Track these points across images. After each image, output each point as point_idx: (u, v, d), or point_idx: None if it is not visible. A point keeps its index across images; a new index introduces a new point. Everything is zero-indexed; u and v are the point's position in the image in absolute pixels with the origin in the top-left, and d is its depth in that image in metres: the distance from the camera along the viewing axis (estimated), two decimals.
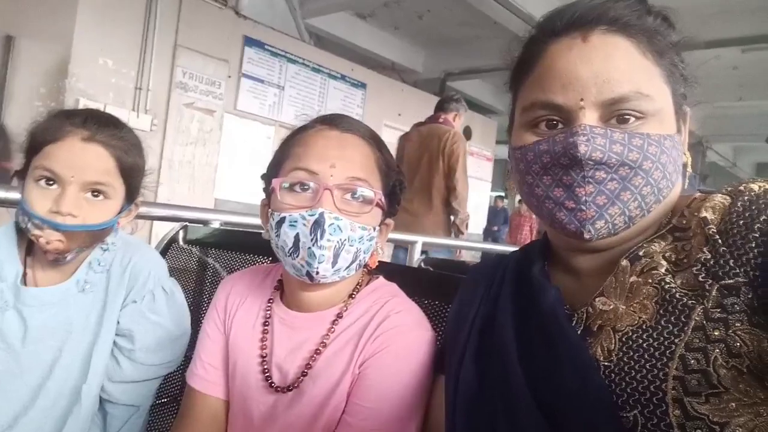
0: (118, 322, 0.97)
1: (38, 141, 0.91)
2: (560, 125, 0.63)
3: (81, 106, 4.23)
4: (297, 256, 0.79)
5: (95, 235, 0.94)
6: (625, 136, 0.59)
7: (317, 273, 0.78)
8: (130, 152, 0.96)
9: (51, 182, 0.89)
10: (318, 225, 0.76)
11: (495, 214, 9.78)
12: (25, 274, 0.96)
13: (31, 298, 0.94)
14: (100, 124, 0.93)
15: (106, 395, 0.98)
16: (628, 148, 0.59)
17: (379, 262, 0.95)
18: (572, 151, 0.59)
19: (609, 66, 0.60)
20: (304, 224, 0.77)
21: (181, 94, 4.92)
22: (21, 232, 0.96)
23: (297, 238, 0.78)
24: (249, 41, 5.52)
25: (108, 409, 1.00)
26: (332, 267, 0.79)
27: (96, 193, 0.92)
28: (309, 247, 0.77)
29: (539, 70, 0.65)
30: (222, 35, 5.24)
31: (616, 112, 0.60)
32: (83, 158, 0.90)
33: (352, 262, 0.81)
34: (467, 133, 8.59)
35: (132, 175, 0.97)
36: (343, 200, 0.79)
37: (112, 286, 0.98)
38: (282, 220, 0.79)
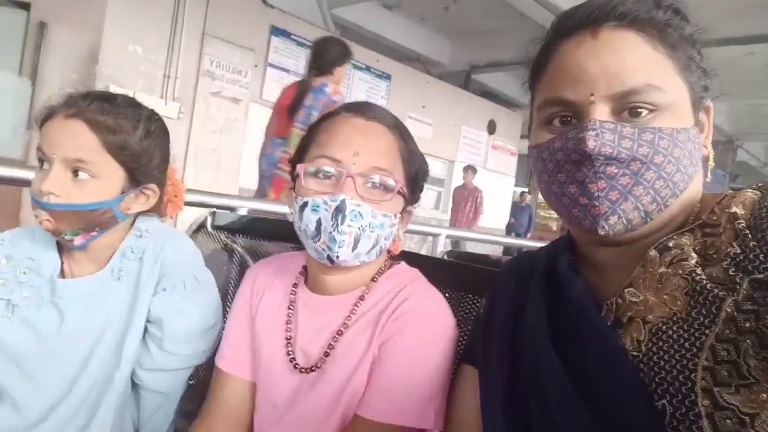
0: (150, 310, 0.98)
1: (41, 122, 0.92)
2: (573, 121, 0.64)
3: None
4: (318, 240, 0.81)
5: (89, 217, 0.91)
6: (635, 131, 0.59)
7: (337, 257, 0.81)
8: (121, 130, 0.92)
9: (42, 162, 0.89)
10: (339, 211, 0.79)
11: (520, 211, 9.28)
12: (62, 266, 0.97)
13: (68, 290, 0.95)
14: (89, 101, 0.91)
15: (139, 381, 0.99)
16: (637, 143, 0.59)
17: (402, 252, 0.97)
18: (582, 147, 0.59)
19: (618, 59, 0.61)
20: (326, 209, 0.79)
21: (209, 82, 4.98)
22: None
23: (319, 222, 0.80)
24: (275, 31, 5.55)
25: (142, 395, 1.01)
26: (352, 252, 0.81)
27: (78, 172, 0.89)
28: (330, 232, 0.79)
29: (551, 69, 0.66)
30: (249, 24, 5.28)
31: (627, 105, 0.60)
32: (63, 134, 0.88)
33: (373, 248, 0.83)
34: (491, 126, 8.53)
35: (127, 155, 0.93)
36: (365, 188, 0.81)
37: (144, 273, 0.98)
38: (305, 205, 0.82)
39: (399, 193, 0.84)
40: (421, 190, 0.93)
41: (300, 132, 2.46)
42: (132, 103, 0.97)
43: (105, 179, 0.91)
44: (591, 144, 0.59)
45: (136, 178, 0.95)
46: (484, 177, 8.19)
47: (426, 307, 0.84)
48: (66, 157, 0.87)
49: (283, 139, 2.62)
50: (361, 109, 0.86)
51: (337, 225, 0.79)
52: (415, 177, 0.89)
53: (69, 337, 0.94)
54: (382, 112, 0.88)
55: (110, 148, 0.90)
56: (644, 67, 0.61)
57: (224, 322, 1.02)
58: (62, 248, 0.99)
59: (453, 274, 1.05)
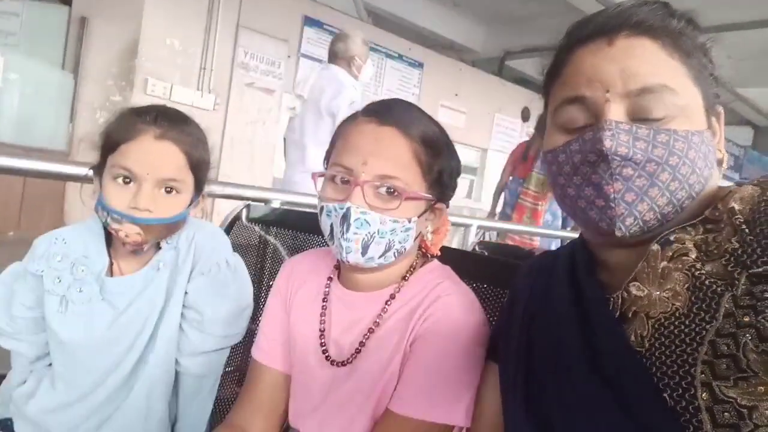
0: (187, 293, 1.03)
1: (113, 140, 0.96)
2: (588, 123, 0.64)
3: (149, 86, 4.41)
4: (333, 243, 0.85)
5: (169, 227, 1.00)
6: (650, 133, 0.60)
7: (348, 261, 0.84)
8: (198, 147, 1.01)
9: (128, 180, 0.94)
10: (345, 219, 0.81)
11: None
12: (111, 265, 1.03)
13: (118, 287, 1.01)
14: (171, 121, 0.98)
15: (181, 368, 1.05)
16: (652, 144, 0.60)
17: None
18: (598, 147, 0.60)
19: (635, 62, 0.62)
20: (336, 216, 0.82)
21: (243, 74, 5.05)
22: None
23: (332, 227, 0.84)
24: (308, 21, 5.58)
25: (182, 380, 1.07)
26: (362, 257, 0.83)
27: (169, 189, 0.97)
28: (339, 238, 0.82)
29: (567, 72, 0.67)
30: (282, 15, 5.32)
31: (642, 106, 0.61)
32: (157, 156, 0.95)
33: (386, 252, 0.84)
34: (525, 114, 8.40)
35: (200, 169, 1.02)
36: (374, 195, 0.82)
37: (180, 260, 1.04)
38: (322, 209, 0.85)
39: (410, 198, 0.84)
40: (452, 188, 0.92)
41: (537, 174, 3.59)
42: (191, 119, 1.05)
43: (186, 193, 1.00)
44: (608, 144, 0.59)
45: (200, 186, 1.04)
46: None
47: (457, 305, 0.85)
48: (161, 178, 0.95)
49: (523, 179, 3.73)
50: (378, 113, 0.86)
51: (343, 232, 0.81)
52: (439, 177, 0.88)
53: (119, 328, 1.01)
54: (399, 114, 0.86)
55: (192, 165, 1.00)
56: (660, 70, 0.61)
57: (258, 310, 1.05)
58: (111, 247, 1.04)
59: (484, 267, 1.06)
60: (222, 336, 1.06)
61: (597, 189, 0.62)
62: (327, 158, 0.91)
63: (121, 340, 1.00)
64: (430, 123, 0.89)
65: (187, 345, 1.04)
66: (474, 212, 7.28)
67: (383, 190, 0.82)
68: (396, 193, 0.82)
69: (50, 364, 1.05)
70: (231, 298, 1.06)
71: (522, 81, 8.65)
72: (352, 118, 0.89)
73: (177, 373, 1.06)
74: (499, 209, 4.06)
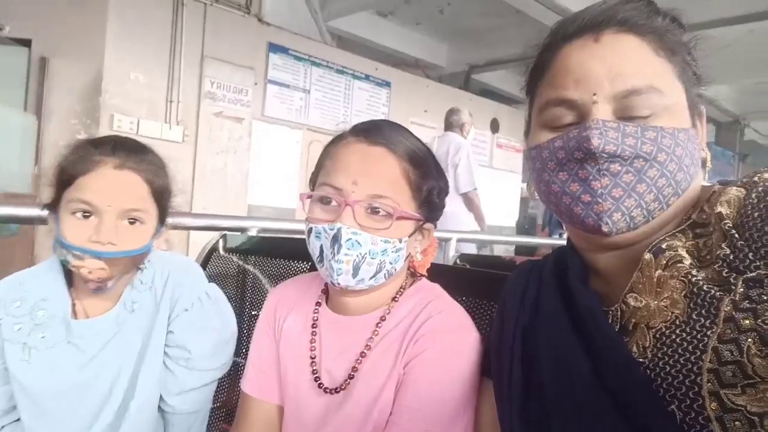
0: (172, 333, 1.00)
1: (69, 173, 0.91)
2: (574, 122, 0.64)
3: (116, 122, 4.34)
4: (323, 266, 0.83)
5: (134, 260, 0.96)
6: (638, 129, 0.60)
7: (338, 283, 0.81)
8: (159, 175, 0.98)
9: (87, 213, 0.90)
10: (336, 240, 0.79)
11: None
12: (74, 306, 0.98)
13: (85, 330, 0.96)
14: (129, 151, 0.94)
15: (169, 408, 1.01)
16: (641, 140, 0.59)
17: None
18: (586, 145, 0.60)
19: (622, 60, 0.61)
20: (326, 237, 0.80)
21: (210, 103, 5.01)
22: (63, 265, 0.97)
23: (321, 249, 0.81)
24: (273, 47, 5.58)
25: (170, 420, 1.02)
26: (353, 278, 0.81)
27: (132, 220, 0.93)
28: (329, 260, 0.80)
29: (553, 70, 0.67)
30: (247, 43, 5.31)
31: (628, 105, 0.61)
32: (118, 186, 0.92)
33: (377, 273, 0.82)
34: (494, 125, 8.51)
35: (163, 197, 0.99)
36: (365, 215, 0.81)
37: (158, 301, 1.01)
38: (310, 231, 0.83)
39: (401, 218, 0.82)
40: (440, 208, 0.91)
41: None
42: (150, 149, 1.01)
43: (150, 222, 0.96)
44: (595, 142, 0.59)
45: (163, 215, 1.01)
46: (490, 176, 8.16)
47: (449, 324, 0.83)
48: (124, 209, 0.91)
49: None
50: (366, 132, 0.85)
51: (334, 253, 0.79)
52: (428, 197, 0.86)
53: (90, 373, 0.95)
54: (388, 134, 0.85)
55: (155, 194, 0.96)
56: (646, 69, 0.61)
57: (241, 342, 1.02)
58: (72, 288, 0.99)
59: (468, 280, 1.04)
60: (211, 369, 1.03)
61: (584, 184, 0.62)
62: (313, 180, 0.89)
63: (94, 387, 0.95)
64: (418, 143, 0.88)
65: (175, 384, 1.00)
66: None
67: (373, 209, 0.80)
68: (387, 213, 0.81)
69: (19, 419, 0.98)
70: (216, 330, 1.04)
71: (488, 93, 8.79)
72: (341, 137, 0.87)
73: (164, 414, 1.01)
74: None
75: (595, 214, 0.61)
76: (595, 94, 0.61)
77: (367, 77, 6.63)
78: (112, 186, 0.91)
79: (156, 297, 1.01)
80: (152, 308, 1.00)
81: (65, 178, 0.92)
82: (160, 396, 1.00)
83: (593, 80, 0.62)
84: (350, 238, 0.79)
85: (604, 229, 0.61)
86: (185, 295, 1.02)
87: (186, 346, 1.00)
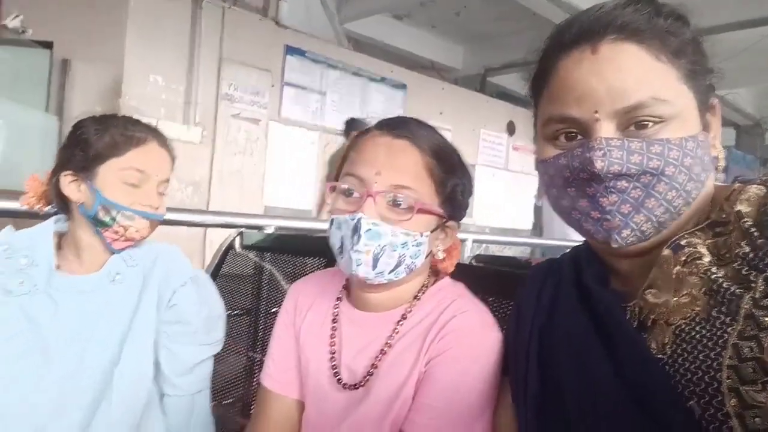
0: (175, 305, 1.04)
1: (120, 146, 1.02)
2: (579, 136, 0.63)
3: None
4: (342, 258, 0.83)
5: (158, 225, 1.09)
6: (644, 145, 0.58)
7: (358, 275, 0.81)
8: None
9: (139, 180, 1.03)
10: (356, 230, 0.79)
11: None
12: (57, 265, 1.04)
13: (65, 284, 1.01)
14: (153, 129, 1.11)
15: (174, 390, 1.04)
16: (647, 156, 0.58)
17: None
18: (590, 168, 0.59)
19: (621, 76, 0.59)
20: (347, 228, 0.80)
21: (228, 105, 5.06)
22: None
23: (342, 240, 0.81)
24: (290, 50, 5.62)
25: (175, 404, 1.05)
26: (373, 270, 0.81)
27: (161, 192, 1.08)
28: (349, 250, 0.80)
29: (553, 84, 0.66)
30: (264, 45, 5.36)
31: (633, 120, 0.59)
32: (162, 160, 1.09)
33: (397, 266, 0.82)
34: (510, 127, 8.48)
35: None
36: (387, 207, 0.81)
37: (146, 279, 1.06)
38: (332, 222, 0.83)
39: (422, 211, 0.82)
40: (464, 207, 0.90)
41: None
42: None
43: (167, 195, 1.11)
44: (599, 165, 0.58)
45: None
46: (506, 178, 8.13)
47: (473, 324, 0.83)
48: (162, 179, 1.08)
49: None
50: (391, 126, 0.85)
51: (354, 244, 0.79)
52: (452, 193, 0.86)
53: (61, 331, 0.97)
54: (414, 129, 0.85)
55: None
56: (648, 80, 0.59)
57: (257, 339, 1.03)
58: (59, 251, 1.06)
59: (486, 279, 1.04)
60: (208, 344, 1.09)
61: (592, 201, 0.61)
62: (337, 173, 0.89)
63: (65, 350, 0.96)
64: (443, 140, 0.88)
65: (179, 363, 1.04)
66: (466, 227, 7.28)
67: (394, 200, 0.80)
68: (408, 206, 0.81)
69: None
70: (209, 305, 1.10)
71: (505, 95, 8.75)
72: (366, 131, 0.88)
73: (166, 401, 1.04)
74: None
75: (604, 230, 0.61)
76: (596, 112, 0.60)
77: (382, 80, 6.65)
78: (158, 159, 1.07)
79: (143, 273, 1.06)
80: (139, 283, 1.04)
81: (111, 151, 1.02)
82: (166, 381, 1.03)
83: (594, 98, 0.60)
84: (370, 229, 0.78)
85: (614, 245, 0.61)
86: (178, 273, 1.09)
87: (187, 318, 1.05)
